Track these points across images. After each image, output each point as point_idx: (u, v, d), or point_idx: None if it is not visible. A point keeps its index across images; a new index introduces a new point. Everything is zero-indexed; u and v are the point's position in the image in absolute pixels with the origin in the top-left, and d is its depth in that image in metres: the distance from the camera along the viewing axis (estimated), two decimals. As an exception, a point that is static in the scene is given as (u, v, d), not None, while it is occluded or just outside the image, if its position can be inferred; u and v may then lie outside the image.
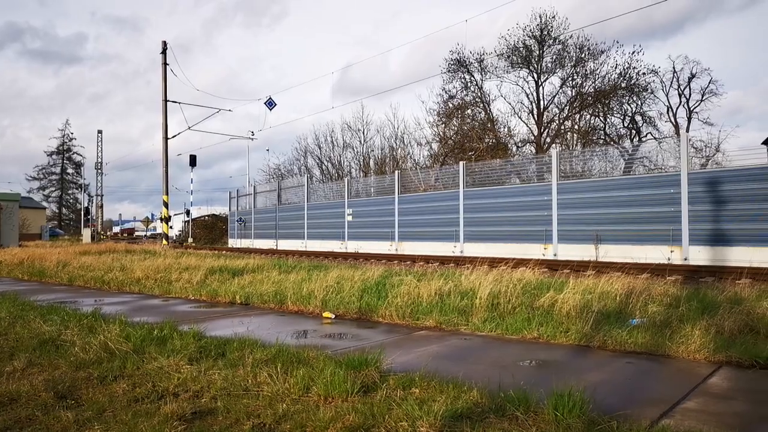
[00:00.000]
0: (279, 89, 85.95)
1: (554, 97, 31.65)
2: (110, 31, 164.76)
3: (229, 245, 34.79)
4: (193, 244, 36.59)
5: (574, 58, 30.62)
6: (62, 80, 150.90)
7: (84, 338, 5.07)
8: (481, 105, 32.84)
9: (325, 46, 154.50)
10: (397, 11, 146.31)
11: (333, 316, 6.96)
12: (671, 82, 31.10)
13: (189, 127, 28.09)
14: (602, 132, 31.36)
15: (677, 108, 31.51)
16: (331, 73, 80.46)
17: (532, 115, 32.21)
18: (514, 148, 32.33)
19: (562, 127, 31.83)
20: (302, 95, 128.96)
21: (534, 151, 30.81)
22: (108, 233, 68.34)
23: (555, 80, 31.76)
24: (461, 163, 20.29)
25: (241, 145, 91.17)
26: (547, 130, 31.93)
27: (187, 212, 50.01)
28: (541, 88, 31.71)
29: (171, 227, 40.03)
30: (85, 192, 65.87)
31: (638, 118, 30.84)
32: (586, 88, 30.63)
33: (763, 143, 29.46)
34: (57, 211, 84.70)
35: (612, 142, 29.70)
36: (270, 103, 29.84)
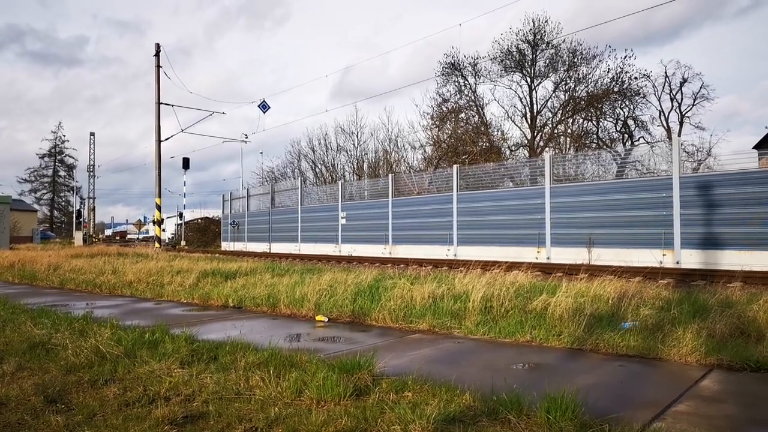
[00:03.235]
0: (278, 92, 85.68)
1: (547, 101, 31.81)
2: (112, 33, 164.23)
3: (222, 248, 34.67)
4: (186, 247, 36.46)
5: (567, 63, 30.79)
6: (61, 82, 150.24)
7: (75, 342, 5.03)
8: (475, 109, 32.93)
9: (326, 49, 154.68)
10: (398, 14, 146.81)
11: (326, 320, 6.95)
12: (663, 87, 31.34)
13: (182, 130, 28.03)
14: (595, 136, 31.52)
15: (669, 112, 31.75)
16: (326, 77, 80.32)
17: (526, 118, 32.33)
18: (508, 152, 32.44)
19: (555, 131, 31.96)
20: (299, 98, 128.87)
21: (527, 154, 30.92)
22: (100, 236, 67.95)
23: (548, 84, 31.91)
24: (455, 166, 20.33)
25: (236, 148, 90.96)
26: (540, 133, 32.05)
27: (180, 215, 49.83)
28: (534, 92, 31.85)
29: (164, 230, 39.84)
30: (77, 195, 65.52)
31: (630, 122, 31.02)
32: (579, 92, 30.79)
33: (754, 147, 29.75)
34: (48, 213, 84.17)
35: (605, 146, 29.85)
36: (264, 106, 29.81)
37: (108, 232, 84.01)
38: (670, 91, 31.34)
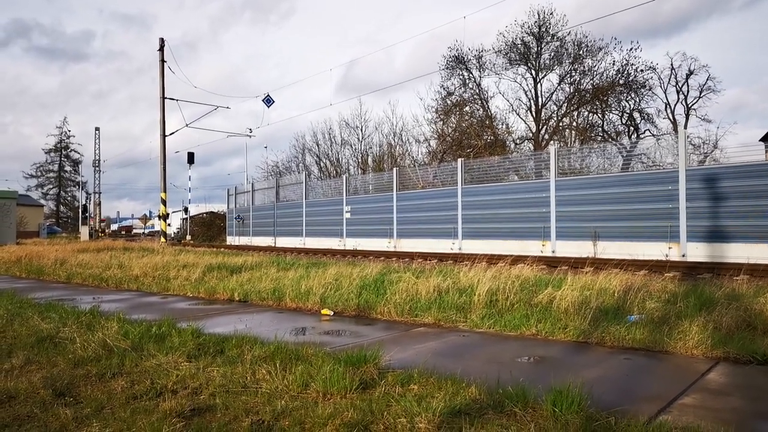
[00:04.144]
0: (282, 86, 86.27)
1: (552, 93, 31.68)
2: (118, 28, 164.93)
3: (228, 243, 34.76)
4: (192, 242, 36.57)
5: (572, 55, 30.61)
6: (67, 77, 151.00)
7: (82, 335, 5.06)
8: (480, 102, 32.82)
9: (331, 44, 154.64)
10: (401, 11, 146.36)
11: (331, 313, 6.97)
12: (669, 79, 31.14)
13: (187, 125, 28.10)
14: (600, 129, 31.37)
15: (675, 105, 31.57)
16: (330, 70, 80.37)
17: (530, 112, 32.21)
18: (513, 145, 32.35)
19: (561, 124, 31.84)
20: (304, 93, 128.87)
21: (532, 148, 30.82)
22: (106, 231, 68.35)
23: (553, 77, 31.77)
24: (459, 160, 20.28)
25: (241, 143, 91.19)
26: (545, 127, 31.93)
27: (186, 210, 49.97)
28: (539, 85, 31.73)
29: (169, 225, 39.99)
30: (82, 190, 65.81)
31: (636, 114, 30.87)
32: (584, 84, 30.63)
33: (761, 140, 29.54)
34: (55, 208, 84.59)
35: (610, 139, 29.71)
36: (268, 101, 29.80)
37: (114, 226, 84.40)
38: (677, 84, 31.18)
